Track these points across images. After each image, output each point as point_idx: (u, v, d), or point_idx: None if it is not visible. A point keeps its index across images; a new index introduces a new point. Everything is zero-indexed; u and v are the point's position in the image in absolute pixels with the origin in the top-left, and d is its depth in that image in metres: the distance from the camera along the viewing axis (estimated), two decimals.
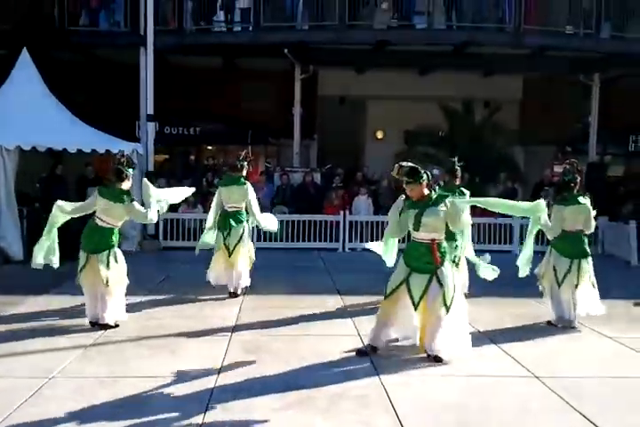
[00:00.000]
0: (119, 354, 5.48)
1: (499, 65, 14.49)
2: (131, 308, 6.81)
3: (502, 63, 14.33)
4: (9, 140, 10.12)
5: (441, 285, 5.32)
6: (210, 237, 8.07)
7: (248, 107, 15.55)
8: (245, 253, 7.95)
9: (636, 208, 12.33)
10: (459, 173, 7.56)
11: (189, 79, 14.80)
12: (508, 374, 5.11)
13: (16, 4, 13.35)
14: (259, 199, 12.81)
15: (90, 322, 6.29)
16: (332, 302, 7.66)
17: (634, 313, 7.45)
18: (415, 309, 5.35)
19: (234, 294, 7.84)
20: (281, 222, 12.35)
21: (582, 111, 15.11)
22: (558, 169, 16.81)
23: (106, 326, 6.21)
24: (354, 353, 5.55)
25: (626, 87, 15.10)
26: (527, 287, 7.82)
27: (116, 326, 6.28)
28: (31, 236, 10.64)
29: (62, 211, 6.62)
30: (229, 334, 6.15)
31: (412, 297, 5.33)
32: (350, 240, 12.49)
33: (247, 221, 8.05)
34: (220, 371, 5.02)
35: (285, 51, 13.67)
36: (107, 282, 6.19)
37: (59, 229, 6.61)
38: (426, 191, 5.40)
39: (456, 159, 7.66)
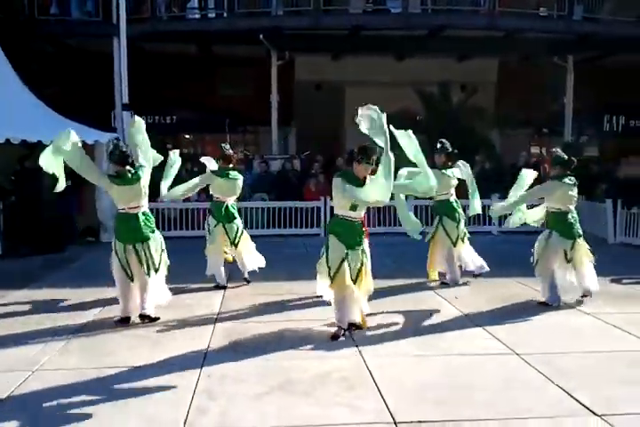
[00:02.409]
0: (103, 345, 5.47)
1: (474, 48, 14.54)
2: (113, 299, 6.79)
3: (477, 46, 14.38)
4: None
5: (366, 257, 5.65)
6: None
7: (225, 94, 15.46)
8: (247, 239, 7.98)
9: (610, 187, 12.49)
10: (451, 153, 7.79)
11: (165, 67, 14.64)
12: (488, 352, 5.20)
13: None
14: None
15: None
16: (315, 288, 7.66)
17: (612, 290, 7.58)
18: (355, 283, 5.54)
19: (247, 281, 7.87)
20: (262, 210, 12.46)
21: (557, 93, 15.24)
22: (535, 150, 17.08)
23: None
24: (340, 340, 5.60)
25: (600, 68, 15.25)
26: (505, 267, 7.95)
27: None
28: (8, 230, 10.55)
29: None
30: (213, 322, 6.16)
31: (351, 274, 5.52)
32: None
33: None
34: (203, 359, 5.04)
35: (261, 37, 13.59)
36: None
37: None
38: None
39: (446, 142, 7.79)
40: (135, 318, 6.12)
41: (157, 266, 6.21)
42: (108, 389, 4.42)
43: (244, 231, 7.99)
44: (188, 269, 7.96)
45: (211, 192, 7.92)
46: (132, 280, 6.13)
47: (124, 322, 6.08)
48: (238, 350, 5.26)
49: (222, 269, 7.85)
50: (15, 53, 11.57)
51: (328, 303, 5.84)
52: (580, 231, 6.82)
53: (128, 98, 12.40)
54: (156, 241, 6.28)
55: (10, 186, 11.17)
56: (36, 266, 9.20)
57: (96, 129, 11.53)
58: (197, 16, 14.10)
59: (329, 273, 5.50)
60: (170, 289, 6.84)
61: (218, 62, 15.45)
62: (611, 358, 5.03)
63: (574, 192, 6.77)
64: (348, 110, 16.94)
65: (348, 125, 16.99)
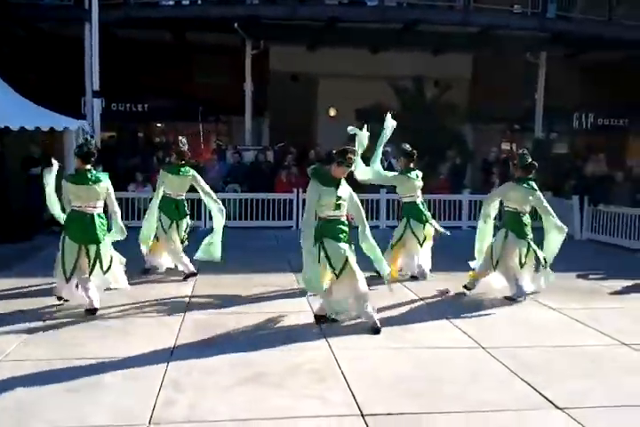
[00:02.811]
0: (70, 336, 5.40)
1: (448, 43, 14.63)
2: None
3: (452, 41, 14.47)
4: None
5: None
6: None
7: (198, 82, 15.31)
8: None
9: (577, 184, 12.71)
10: (414, 156, 7.93)
11: (138, 54, 14.40)
12: (455, 346, 5.27)
13: None
14: (212, 178, 12.83)
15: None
16: (286, 280, 7.70)
17: (578, 285, 7.75)
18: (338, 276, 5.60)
19: (193, 274, 7.78)
20: (234, 201, 12.40)
21: (529, 90, 15.41)
22: (506, 147, 17.28)
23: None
24: (306, 329, 5.64)
25: (572, 66, 15.46)
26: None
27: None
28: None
29: None
30: (182, 313, 6.13)
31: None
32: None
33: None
34: (172, 350, 5.02)
35: (235, 25, 13.46)
36: None
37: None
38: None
39: (408, 145, 7.91)
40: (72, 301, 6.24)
41: (107, 266, 6.24)
42: (74, 380, 4.37)
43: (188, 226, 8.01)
44: None
45: (162, 188, 7.84)
46: (67, 281, 6.14)
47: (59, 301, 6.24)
48: (208, 342, 5.25)
49: (185, 257, 7.79)
50: None
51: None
52: (531, 234, 6.95)
53: (99, 85, 12.20)
54: (107, 244, 6.30)
55: None
56: (4, 255, 9.02)
57: (66, 116, 11.34)
58: (171, 2, 13.92)
59: (334, 272, 5.55)
60: (138, 280, 6.81)
61: (192, 50, 15.28)
62: (574, 353, 5.14)
63: (533, 197, 6.91)
64: (322, 102, 16.98)
65: (321, 117, 17.08)
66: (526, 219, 6.94)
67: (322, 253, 5.58)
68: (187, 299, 6.73)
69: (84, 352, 4.95)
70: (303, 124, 17.28)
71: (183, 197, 7.92)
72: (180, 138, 8.04)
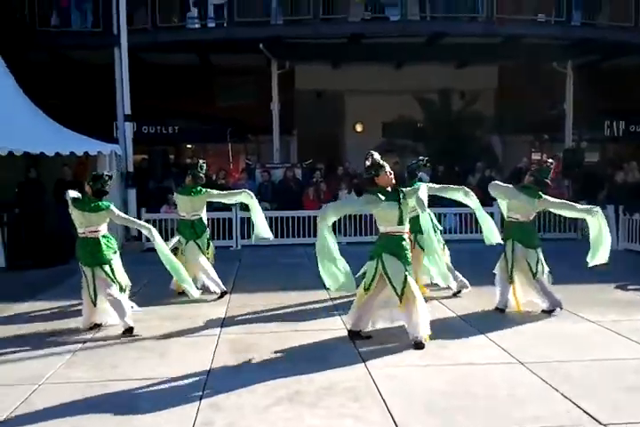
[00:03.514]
0: (108, 358, 5.47)
1: (473, 55, 14.60)
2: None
3: (476, 53, 14.44)
4: None
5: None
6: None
7: (226, 104, 15.53)
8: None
9: (611, 193, 12.48)
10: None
11: (165, 77, 14.70)
12: (493, 362, 5.19)
13: None
14: None
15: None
16: (318, 297, 7.70)
17: (615, 297, 7.59)
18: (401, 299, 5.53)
19: (225, 293, 7.83)
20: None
21: (557, 98, 15.27)
22: (536, 156, 17.10)
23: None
24: (341, 346, 5.62)
25: (599, 73, 15.30)
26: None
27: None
28: (12, 243, 10.56)
29: None
30: (217, 333, 6.17)
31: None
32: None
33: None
34: (209, 371, 5.04)
35: (261, 46, 13.66)
36: None
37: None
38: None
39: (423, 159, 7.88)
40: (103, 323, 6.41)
41: (122, 286, 6.41)
42: (113, 402, 4.42)
43: (211, 245, 8.05)
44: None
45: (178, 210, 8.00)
46: (95, 305, 6.32)
47: (94, 328, 6.34)
48: (243, 362, 5.26)
49: (215, 275, 7.84)
50: (17, 65, 11.64)
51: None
52: (540, 242, 6.83)
53: (130, 109, 12.45)
54: (118, 262, 6.48)
55: (12, 199, 11.19)
56: (40, 279, 9.21)
57: (99, 140, 11.60)
58: (197, 26, 14.16)
59: (395, 291, 5.49)
60: (173, 301, 6.88)
61: (218, 72, 15.53)
62: (615, 367, 5.02)
63: (541, 206, 6.78)
64: (348, 118, 17.07)
65: (348, 133, 17.17)
66: (531, 228, 6.82)
67: (379, 269, 5.51)
68: (221, 318, 6.76)
69: (122, 374, 5.01)
70: (330, 140, 17.39)
71: (200, 217, 7.98)
72: (200, 162, 8.17)
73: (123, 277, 6.53)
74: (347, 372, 4.97)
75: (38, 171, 11.35)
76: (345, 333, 6.00)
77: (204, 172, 8.00)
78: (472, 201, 7.23)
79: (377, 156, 5.62)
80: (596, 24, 14.69)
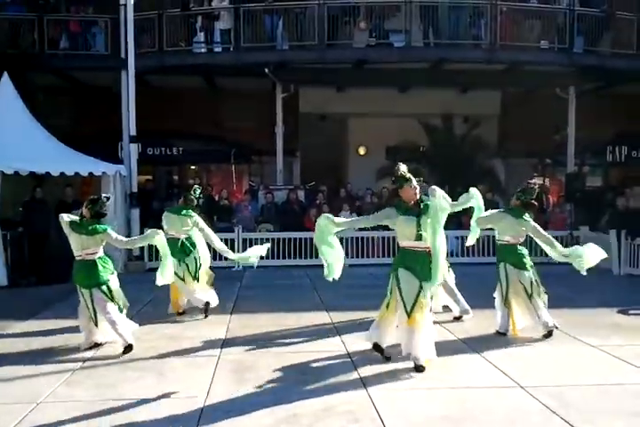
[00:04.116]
0: (107, 377, 5.46)
1: (476, 81, 14.75)
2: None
3: (479, 79, 14.60)
4: None
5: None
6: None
7: (230, 126, 15.67)
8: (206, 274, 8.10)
9: (613, 218, 12.50)
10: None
11: (170, 100, 14.86)
12: (492, 385, 5.17)
13: None
14: (244, 218, 13.01)
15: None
16: (320, 318, 7.69)
17: (616, 321, 7.56)
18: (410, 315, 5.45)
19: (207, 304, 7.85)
20: (266, 241, 12.49)
21: (560, 124, 15.38)
22: (538, 181, 17.15)
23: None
24: (341, 368, 5.60)
25: (602, 99, 15.43)
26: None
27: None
28: (15, 261, 10.60)
29: None
30: (217, 353, 6.16)
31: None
32: None
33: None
34: (208, 391, 5.03)
35: (266, 70, 13.84)
36: None
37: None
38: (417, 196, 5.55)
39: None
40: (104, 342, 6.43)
41: (120, 305, 6.45)
42: (112, 422, 4.41)
43: (203, 265, 8.01)
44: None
45: (165, 229, 7.94)
46: (97, 325, 6.37)
47: (94, 347, 6.35)
48: (243, 382, 5.25)
49: (195, 294, 7.86)
50: (25, 86, 11.81)
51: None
52: (532, 263, 6.83)
53: (135, 130, 12.58)
54: (115, 282, 6.50)
55: (17, 217, 11.26)
56: (42, 297, 9.23)
57: (102, 161, 11.71)
58: (204, 50, 14.36)
59: (405, 308, 5.41)
60: (173, 320, 6.86)
61: (223, 94, 15.70)
62: (617, 392, 4.99)
63: (525, 227, 6.76)
64: (352, 141, 17.20)
65: (352, 156, 17.28)
66: (522, 250, 6.82)
67: (394, 284, 5.51)
68: (221, 339, 6.75)
69: (121, 394, 4.99)
70: (334, 162, 17.49)
71: (189, 235, 8.01)
72: (195, 186, 8.32)
73: (120, 297, 6.54)
74: (346, 394, 4.94)
75: (44, 190, 11.42)
76: (344, 352, 6.01)
77: (196, 195, 8.11)
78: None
79: (404, 168, 5.58)
80: (598, 51, 14.88)
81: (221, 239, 11.42)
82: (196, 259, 7.91)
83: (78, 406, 4.70)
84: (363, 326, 7.26)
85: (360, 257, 12.50)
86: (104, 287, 6.35)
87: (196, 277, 7.86)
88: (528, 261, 6.79)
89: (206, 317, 7.76)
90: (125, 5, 12.74)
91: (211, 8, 14.13)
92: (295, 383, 5.19)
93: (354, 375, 5.41)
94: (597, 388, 5.08)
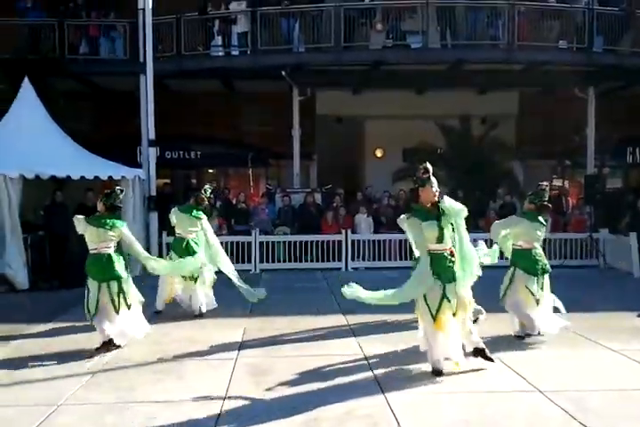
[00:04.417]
0: (126, 380, 5.51)
1: (494, 81, 14.66)
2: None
3: (497, 79, 14.50)
4: (12, 169, 10.23)
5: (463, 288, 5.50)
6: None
7: (247, 129, 15.75)
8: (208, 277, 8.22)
9: (633, 219, 12.34)
10: None
11: (188, 103, 14.97)
12: (511, 389, 5.13)
13: (16, 34, 13.60)
14: (262, 221, 13.06)
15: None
16: (336, 321, 7.69)
17: (637, 325, 7.46)
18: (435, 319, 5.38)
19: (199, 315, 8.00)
20: (283, 244, 12.56)
21: (579, 124, 15.24)
22: (558, 182, 17.01)
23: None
24: (358, 372, 5.58)
25: (621, 100, 15.25)
26: None
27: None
28: (36, 264, 10.73)
29: None
30: (235, 356, 6.19)
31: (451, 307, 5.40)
32: (353, 259, 12.53)
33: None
34: (226, 394, 5.04)
35: (283, 73, 13.88)
36: None
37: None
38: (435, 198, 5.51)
39: None
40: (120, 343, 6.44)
41: (128, 303, 6.48)
42: (131, 425, 4.44)
43: (206, 268, 8.11)
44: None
45: (173, 225, 8.21)
46: (91, 321, 6.44)
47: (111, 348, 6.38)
48: (260, 385, 5.26)
49: (190, 296, 8.03)
50: (45, 91, 11.95)
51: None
52: (548, 268, 6.78)
53: (154, 134, 12.67)
54: (128, 279, 6.57)
55: (38, 221, 11.38)
56: (62, 300, 9.31)
57: (122, 165, 11.81)
58: (221, 53, 14.44)
59: (430, 313, 5.36)
60: (192, 323, 6.89)
61: (240, 98, 15.77)
62: (637, 396, 4.93)
63: (539, 231, 6.76)
64: (369, 143, 17.18)
65: (369, 158, 17.25)
66: (537, 255, 6.77)
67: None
68: (238, 342, 6.77)
69: (140, 397, 5.03)
70: (351, 165, 17.48)
71: (194, 237, 8.12)
72: (206, 186, 8.48)
73: (134, 293, 6.61)
74: (365, 398, 4.93)
75: (64, 194, 11.54)
76: (361, 356, 6.02)
77: (208, 195, 8.25)
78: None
79: (430, 167, 5.53)
80: (617, 50, 14.71)
81: (238, 242, 11.60)
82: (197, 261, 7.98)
83: (98, 409, 4.75)
84: (379, 328, 7.30)
85: (376, 260, 12.46)
86: (115, 284, 6.41)
87: (194, 278, 7.95)
88: (541, 266, 6.72)
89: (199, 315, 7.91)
90: (144, 10, 12.86)
91: (228, 12, 14.20)
92: (313, 387, 5.19)
93: (371, 378, 5.40)
94: (618, 393, 5.02)
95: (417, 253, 5.69)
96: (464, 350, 5.53)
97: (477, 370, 5.54)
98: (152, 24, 12.74)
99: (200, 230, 8.16)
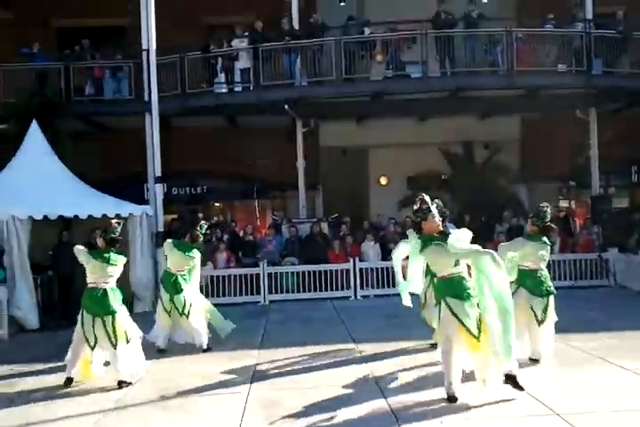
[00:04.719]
0: (137, 418, 5.46)
1: (495, 107, 14.79)
2: (146, 369, 6.86)
3: (498, 105, 14.62)
4: (21, 211, 10.34)
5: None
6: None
7: (253, 162, 15.89)
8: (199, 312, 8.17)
9: None
10: None
11: (193, 140, 15.13)
12: (528, 414, 5.05)
13: (22, 80, 13.91)
14: (269, 252, 13.07)
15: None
16: (348, 350, 7.63)
17: None
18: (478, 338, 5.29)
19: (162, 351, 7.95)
20: (291, 274, 12.54)
21: (582, 146, 15.29)
22: (564, 204, 16.98)
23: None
24: (371, 401, 5.51)
25: (623, 120, 15.32)
26: None
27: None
28: (45, 304, 10.75)
29: None
30: (246, 390, 6.12)
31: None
32: (362, 287, 12.48)
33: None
34: None
35: (286, 107, 14.07)
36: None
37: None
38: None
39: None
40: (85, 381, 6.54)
41: (127, 337, 6.49)
42: None
43: (195, 303, 8.07)
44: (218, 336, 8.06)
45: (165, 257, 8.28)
46: (93, 349, 6.50)
47: (68, 383, 6.46)
48: (272, 420, 5.19)
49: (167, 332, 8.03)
50: (52, 133, 12.16)
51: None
52: (552, 289, 6.73)
53: (160, 171, 12.82)
54: (124, 314, 6.60)
55: (47, 261, 11.44)
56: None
57: (129, 202, 11.92)
58: (224, 90, 14.67)
59: (472, 333, 5.24)
60: (201, 357, 6.88)
61: (244, 132, 15.95)
62: None
63: (545, 251, 6.78)
64: (373, 172, 17.27)
65: (373, 186, 17.32)
66: (542, 276, 6.73)
67: (445, 312, 5.34)
68: (250, 375, 6.71)
69: None
70: (356, 194, 17.53)
71: (184, 273, 8.15)
72: (202, 223, 8.54)
73: (130, 326, 6.61)
74: None
75: (71, 234, 11.62)
76: (375, 387, 5.92)
77: (202, 231, 8.30)
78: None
79: (427, 199, 5.56)
80: (616, 72, 14.84)
81: (246, 275, 11.60)
82: (184, 298, 7.98)
83: None
84: (388, 355, 7.24)
85: (385, 287, 12.37)
86: (109, 318, 6.43)
87: (183, 313, 7.92)
88: (546, 287, 6.68)
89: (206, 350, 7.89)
90: (148, 50, 13.15)
91: (230, 49, 14.48)
92: (326, 420, 5.11)
93: (385, 408, 5.32)
94: (634, 413, 4.93)
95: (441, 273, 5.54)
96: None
97: (492, 394, 5.45)
98: (156, 63, 13.02)
99: (191, 268, 8.24)
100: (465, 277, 5.44)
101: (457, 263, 5.39)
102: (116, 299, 6.56)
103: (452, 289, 5.37)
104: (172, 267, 8.14)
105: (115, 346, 6.41)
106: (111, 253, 6.60)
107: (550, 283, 6.80)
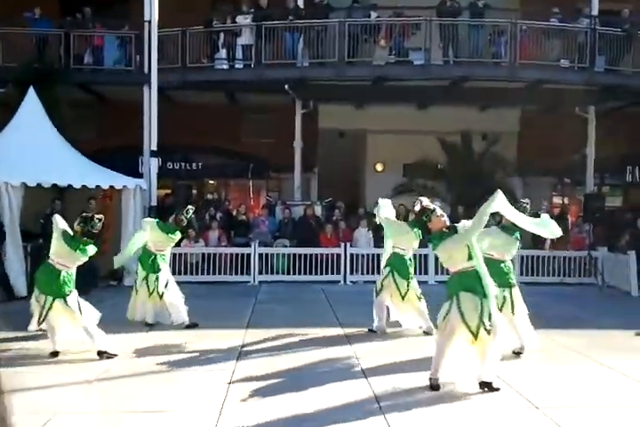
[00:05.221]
0: (124, 389, 5.50)
1: (495, 98, 14.77)
2: (135, 343, 6.89)
3: (499, 96, 14.60)
4: (14, 177, 10.28)
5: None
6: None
7: (249, 141, 15.83)
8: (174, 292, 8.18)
9: (633, 238, 12.37)
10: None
11: (191, 115, 15.04)
12: (509, 406, 5.12)
13: (22, 44, 13.73)
14: (262, 233, 13.09)
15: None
16: (335, 333, 7.70)
17: (634, 343, 7.46)
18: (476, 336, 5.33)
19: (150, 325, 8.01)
20: (282, 256, 12.58)
21: (579, 142, 15.33)
22: (558, 200, 17.07)
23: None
24: (354, 384, 5.58)
25: (621, 119, 15.35)
26: None
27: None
28: (34, 272, 10.70)
29: None
30: (232, 367, 6.18)
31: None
32: (352, 273, 12.54)
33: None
34: (222, 408, 5.02)
35: (286, 87, 13.98)
36: None
37: None
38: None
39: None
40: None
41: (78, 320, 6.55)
42: None
43: (170, 283, 8.10)
44: (208, 312, 8.07)
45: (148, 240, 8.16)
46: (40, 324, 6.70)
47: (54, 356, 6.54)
48: (256, 397, 5.25)
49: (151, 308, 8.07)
50: (50, 100, 12.03)
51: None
52: (514, 282, 6.72)
53: (156, 145, 12.74)
54: (73, 298, 6.63)
55: (37, 229, 11.39)
56: None
57: (124, 175, 11.86)
58: (225, 66, 14.54)
59: (470, 330, 5.28)
60: (190, 333, 6.93)
61: (243, 110, 15.88)
62: (633, 414, 4.93)
63: (514, 246, 6.75)
64: (369, 158, 17.25)
65: (369, 172, 17.32)
66: (505, 267, 6.72)
67: (454, 308, 5.34)
68: (237, 353, 6.77)
69: (137, 406, 5.02)
70: (351, 179, 17.53)
71: (163, 253, 8.17)
72: (189, 207, 8.45)
73: (86, 308, 6.68)
74: (362, 410, 4.92)
75: (65, 203, 11.56)
76: (359, 369, 6.02)
77: (188, 217, 8.26)
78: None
79: (426, 201, 5.60)
80: (619, 70, 14.83)
81: (237, 254, 11.62)
82: (158, 278, 7.99)
83: (95, 418, 4.75)
84: (373, 337, 7.32)
85: (375, 273, 12.42)
86: (61, 301, 6.50)
87: (158, 293, 7.93)
88: (508, 279, 6.65)
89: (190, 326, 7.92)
90: (149, 22, 13.00)
91: (234, 25, 14.33)
92: (310, 399, 5.18)
93: (369, 392, 5.39)
94: (615, 410, 5.02)
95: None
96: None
97: (473, 387, 5.52)
98: (157, 36, 12.87)
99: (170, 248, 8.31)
100: (480, 270, 5.38)
101: (470, 257, 5.39)
102: (68, 283, 6.58)
103: (466, 283, 5.36)
104: (153, 246, 8.11)
105: (77, 324, 6.51)
106: (86, 246, 6.55)
107: (513, 276, 6.76)
